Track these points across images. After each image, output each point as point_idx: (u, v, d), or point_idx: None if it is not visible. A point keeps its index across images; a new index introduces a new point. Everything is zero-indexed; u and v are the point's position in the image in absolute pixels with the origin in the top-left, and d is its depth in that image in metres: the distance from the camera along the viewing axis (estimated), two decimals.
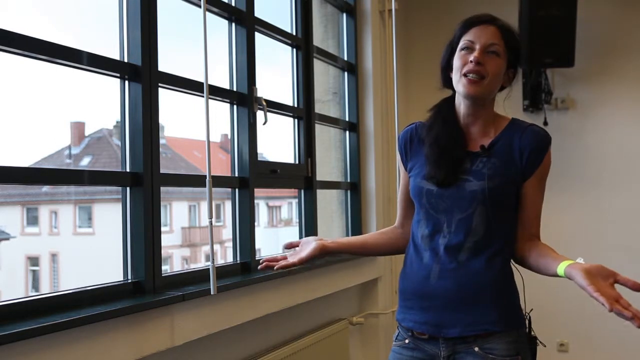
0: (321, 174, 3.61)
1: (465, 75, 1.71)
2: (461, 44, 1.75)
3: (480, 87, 1.71)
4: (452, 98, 1.83)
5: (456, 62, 1.75)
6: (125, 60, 2.24)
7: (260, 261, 1.80)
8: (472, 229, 1.73)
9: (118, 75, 2.22)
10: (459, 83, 1.73)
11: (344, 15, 4.01)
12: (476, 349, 1.72)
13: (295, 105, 3.38)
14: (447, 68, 1.81)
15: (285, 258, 1.81)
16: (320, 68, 3.78)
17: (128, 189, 2.22)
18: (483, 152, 1.74)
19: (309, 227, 3.40)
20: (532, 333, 1.83)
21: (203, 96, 2.32)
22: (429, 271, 1.76)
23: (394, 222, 2.00)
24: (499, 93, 1.83)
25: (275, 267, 1.78)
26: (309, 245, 1.83)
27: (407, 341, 1.82)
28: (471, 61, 1.70)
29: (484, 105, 1.77)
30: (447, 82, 1.81)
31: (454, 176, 1.74)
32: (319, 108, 3.63)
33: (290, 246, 1.87)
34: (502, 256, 1.77)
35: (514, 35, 1.76)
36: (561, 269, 1.59)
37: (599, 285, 1.47)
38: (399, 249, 1.94)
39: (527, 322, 1.82)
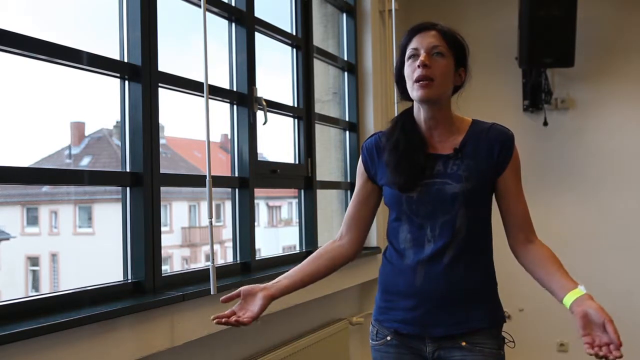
0: (321, 174, 3.61)
1: (416, 81, 1.76)
2: (407, 53, 1.80)
3: (432, 89, 1.75)
4: (412, 109, 1.86)
5: (406, 71, 1.80)
6: (125, 60, 2.24)
7: (212, 318, 1.71)
8: (456, 231, 1.76)
9: (118, 75, 2.22)
10: (412, 90, 1.78)
11: (344, 15, 4.01)
12: (463, 343, 1.77)
13: (295, 105, 3.38)
14: (401, 80, 1.84)
15: (233, 313, 1.74)
16: (320, 68, 3.78)
17: (128, 189, 2.22)
18: (456, 154, 1.78)
19: (309, 227, 3.40)
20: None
21: (203, 96, 2.32)
22: (414, 273, 1.79)
23: None
24: (456, 94, 1.86)
25: (223, 321, 1.71)
26: (254, 300, 1.78)
27: (389, 338, 1.86)
28: (418, 66, 1.75)
29: (442, 107, 1.81)
30: (405, 94, 1.84)
31: (415, 181, 1.77)
32: (319, 108, 3.63)
33: (228, 299, 1.78)
34: (485, 254, 1.83)
35: (455, 35, 1.82)
36: (567, 302, 1.71)
37: (592, 331, 1.63)
38: (342, 264, 1.96)
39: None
